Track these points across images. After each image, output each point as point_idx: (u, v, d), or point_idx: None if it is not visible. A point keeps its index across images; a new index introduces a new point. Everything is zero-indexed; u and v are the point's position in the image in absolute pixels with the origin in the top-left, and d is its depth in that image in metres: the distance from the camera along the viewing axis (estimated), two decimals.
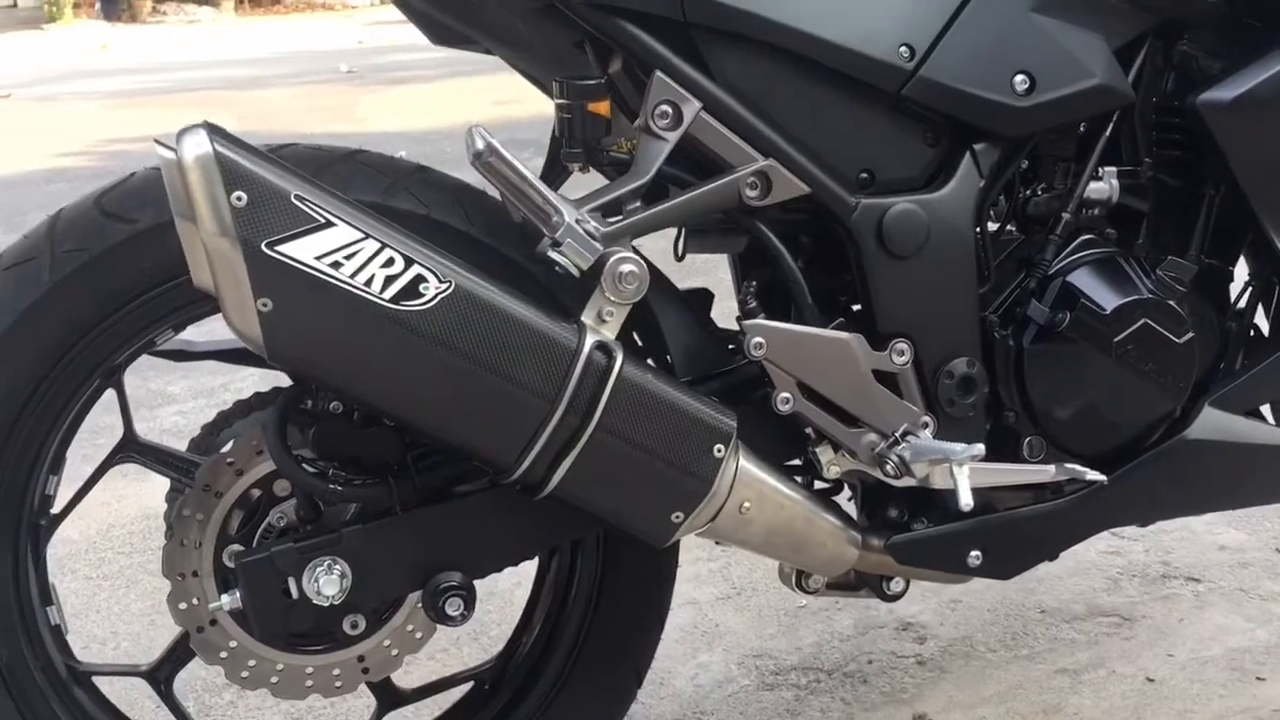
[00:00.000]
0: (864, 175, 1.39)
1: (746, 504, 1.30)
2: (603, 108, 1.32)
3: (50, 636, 1.32)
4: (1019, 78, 1.40)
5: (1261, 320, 1.62)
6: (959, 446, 1.32)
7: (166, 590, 1.28)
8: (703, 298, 1.49)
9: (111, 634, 1.98)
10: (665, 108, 1.29)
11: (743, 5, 1.31)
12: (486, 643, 1.88)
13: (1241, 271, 1.60)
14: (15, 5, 16.24)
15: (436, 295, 1.14)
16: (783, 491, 1.35)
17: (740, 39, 1.32)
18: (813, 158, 1.35)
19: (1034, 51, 1.41)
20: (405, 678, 1.51)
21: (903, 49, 1.37)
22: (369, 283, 1.12)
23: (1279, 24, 1.49)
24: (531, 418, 1.18)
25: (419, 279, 1.14)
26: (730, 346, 1.43)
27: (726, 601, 2.01)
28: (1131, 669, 1.80)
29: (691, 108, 1.30)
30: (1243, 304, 1.60)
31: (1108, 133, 1.49)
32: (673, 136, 1.29)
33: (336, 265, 1.11)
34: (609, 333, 1.24)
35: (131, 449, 1.35)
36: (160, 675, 1.37)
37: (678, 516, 1.26)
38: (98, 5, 16.22)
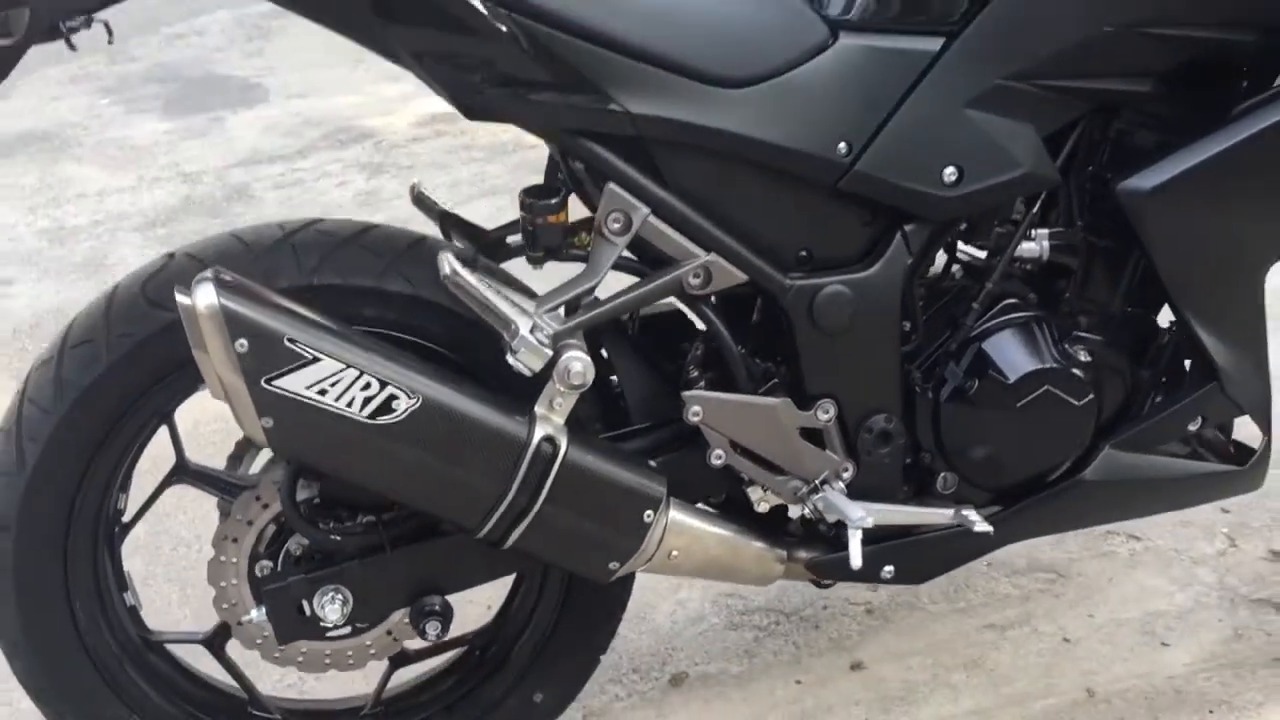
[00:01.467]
0: (803, 254, 1.57)
1: (675, 551, 1.57)
2: (560, 217, 1.52)
3: (126, 615, 1.67)
4: (949, 170, 1.55)
5: None
6: (858, 513, 1.56)
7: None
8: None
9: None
10: (617, 214, 1.48)
11: (690, 119, 1.47)
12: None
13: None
14: None
15: (407, 409, 1.40)
16: (710, 532, 1.61)
17: (688, 146, 1.49)
18: (752, 248, 1.54)
19: (964, 144, 1.55)
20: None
21: (841, 145, 1.52)
22: (350, 404, 1.38)
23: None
24: (488, 499, 1.46)
25: (392, 397, 1.40)
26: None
27: None
28: (1052, 627, 2.06)
29: (640, 214, 1.49)
30: (1163, 343, 1.76)
31: (1036, 209, 1.64)
32: (623, 241, 1.49)
33: (323, 392, 1.37)
34: (558, 418, 1.48)
35: (184, 473, 1.65)
36: (216, 642, 1.72)
37: (614, 565, 1.55)
38: None
